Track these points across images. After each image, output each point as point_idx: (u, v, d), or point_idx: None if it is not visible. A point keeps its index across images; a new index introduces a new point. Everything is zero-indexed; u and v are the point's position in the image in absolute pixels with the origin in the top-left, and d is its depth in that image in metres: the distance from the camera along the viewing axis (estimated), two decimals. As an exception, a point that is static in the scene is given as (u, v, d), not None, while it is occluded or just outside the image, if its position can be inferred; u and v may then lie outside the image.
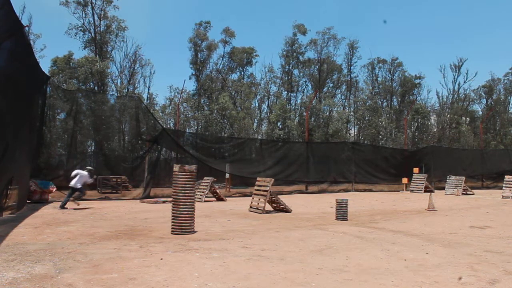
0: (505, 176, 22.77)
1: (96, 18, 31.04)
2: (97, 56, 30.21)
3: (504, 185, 21.92)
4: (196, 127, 34.51)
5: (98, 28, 31.28)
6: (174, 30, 65.90)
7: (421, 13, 74.73)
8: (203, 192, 17.42)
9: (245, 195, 20.10)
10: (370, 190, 26.14)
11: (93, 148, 23.18)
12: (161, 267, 5.82)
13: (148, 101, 33.62)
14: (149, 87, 35.20)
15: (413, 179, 26.46)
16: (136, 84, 34.31)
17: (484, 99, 43.51)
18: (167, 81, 75.74)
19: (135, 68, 34.16)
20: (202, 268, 5.80)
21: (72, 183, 14.50)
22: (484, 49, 68.61)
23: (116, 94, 30.28)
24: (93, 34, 31.09)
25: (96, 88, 29.98)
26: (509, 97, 43.11)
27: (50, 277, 5.22)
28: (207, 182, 17.69)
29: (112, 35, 32.24)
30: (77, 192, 14.63)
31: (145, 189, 19.03)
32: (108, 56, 31.91)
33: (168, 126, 31.77)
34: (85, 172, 14.90)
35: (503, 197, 20.92)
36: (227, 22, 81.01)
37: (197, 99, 35.20)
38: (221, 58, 37.84)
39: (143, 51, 34.40)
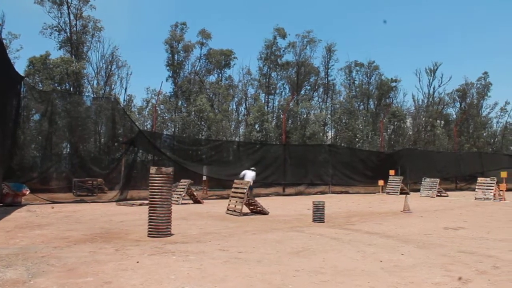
0: (478, 178, 23.25)
1: (72, 17, 30.55)
2: (73, 57, 29.75)
3: (476, 187, 22.36)
4: (173, 129, 34.27)
5: (74, 28, 30.77)
6: (151, 31, 65.51)
7: (398, 18, 75.80)
8: (180, 194, 17.31)
9: (222, 197, 20.03)
10: (347, 192, 26.34)
11: (68, 150, 22.82)
12: (137, 270, 5.77)
13: (125, 103, 33.26)
14: (126, 88, 34.63)
15: (389, 181, 26.75)
16: (113, 86, 33.87)
17: (458, 103, 44.29)
18: (144, 82, 75.28)
19: (112, 69, 33.75)
20: (179, 271, 5.76)
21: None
22: (458, 54, 69.95)
23: (92, 95, 29.87)
24: (68, 34, 30.58)
25: (72, 89, 29.51)
26: (481, 101, 43.96)
27: (22, 282, 5.11)
28: (184, 185, 17.58)
29: (88, 35, 31.74)
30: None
31: (121, 191, 18.81)
32: (84, 56, 31.43)
33: (145, 128, 31.49)
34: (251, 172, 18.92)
35: (475, 198, 21.31)
36: (205, 24, 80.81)
37: (174, 101, 34.96)
38: (198, 60, 37.70)
39: (120, 52, 33.85)
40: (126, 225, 10.41)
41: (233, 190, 14.17)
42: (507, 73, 68.78)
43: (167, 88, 50.92)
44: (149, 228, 8.66)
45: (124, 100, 33.76)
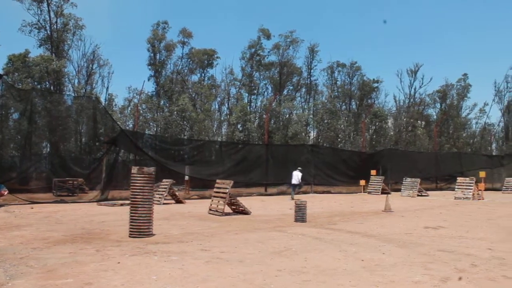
0: (457, 178, 23.57)
1: (52, 15, 30.12)
2: (53, 55, 29.35)
3: (456, 187, 22.66)
4: (155, 129, 34.06)
5: (55, 26, 30.35)
6: (133, 30, 65.00)
7: (380, 19, 76.44)
8: (161, 194, 17.20)
9: (204, 197, 19.96)
10: (329, 192, 26.47)
11: (48, 150, 22.53)
12: (118, 271, 5.72)
13: (107, 102, 32.95)
14: (107, 87, 34.36)
15: (370, 181, 26.96)
16: (94, 85, 33.55)
17: (439, 104, 44.82)
18: (126, 82, 74.74)
19: (93, 68, 33.41)
20: (160, 272, 5.73)
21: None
22: (439, 56, 70.85)
23: (73, 94, 29.51)
24: (49, 32, 30.14)
25: (52, 88, 29.11)
26: (461, 102, 44.54)
27: (0, 285, 5.03)
28: (166, 185, 17.49)
29: (69, 33, 31.35)
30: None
31: (102, 191, 18.63)
32: (65, 55, 31.04)
33: (127, 127, 31.25)
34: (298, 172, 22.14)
35: (455, 198, 21.59)
36: (188, 23, 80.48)
37: (156, 100, 34.75)
38: (180, 59, 37.54)
39: (101, 51, 33.52)
40: (107, 226, 10.32)
41: (215, 190, 14.13)
42: (486, 75, 69.97)
43: (149, 87, 50.69)
44: (130, 228, 8.60)
45: (105, 99, 33.48)
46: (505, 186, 29.09)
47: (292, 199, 19.98)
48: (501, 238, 9.19)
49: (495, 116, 62.73)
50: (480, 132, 45.18)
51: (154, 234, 8.79)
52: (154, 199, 11.10)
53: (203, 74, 38.77)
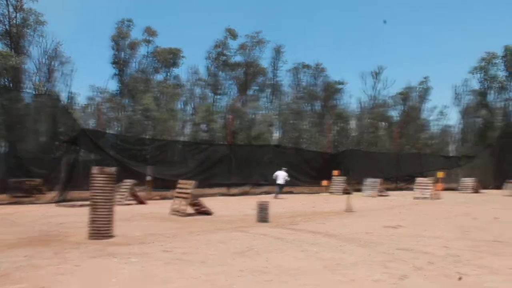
0: (416, 178, 24.14)
1: (11, 9, 29.18)
2: (12, 51, 28.45)
3: (415, 187, 23.20)
4: (118, 128, 33.54)
5: (14, 21, 29.42)
6: (97, 28, 63.70)
7: (345, 21, 77.47)
8: (123, 195, 16.96)
9: (166, 198, 19.74)
10: (291, 192, 26.60)
11: (4, 149, 21.84)
12: (76, 274, 5.60)
13: (68, 101, 32.18)
14: (69, 85, 33.48)
15: (332, 181, 27.28)
16: (55, 83, 32.66)
17: (400, 106, 45.71)
18: (88, 80, 73.04)
19: (55, 65, 32.52)
20: (120, 274, 5.64)
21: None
22: (401, 58, 72.44)
23: (32, 92, 28.71)
24: (7, 27, 29.18)
25: (10, 85, 28.22)
26: (422, 104, 45.56)
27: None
28: (127, 185, 17.25)
29: (29, 29, 30.43)
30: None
31: (61, 192, 18.19)
32: (24, 51, 30.13)
33: (89, 126, 30.65)
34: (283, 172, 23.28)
35: (414, 198, 22.08)
36: (152, 21, 79.44)
37: (119, 99, 34.22)
38: (144, 58, 37.07)
39: (63, 48, 32.65)
40: (66, 227, 10.09)
41: (177, 190, 14.02)
42: (446, 78, 71.90)
43: (113, 86, 49.63)
44: (90, 230, 8.43)
45: (67, 97, 32.68)
46: (461, 186, 29.97)
47: (276, 197, 21.64)
48: (457, 236, 9.46)
49: (453, 118, 64.56)
50: (439, 133, 46.33)
51: (114, 236, 8.64)
52: (115, 199, 10.93)
53: (167, 73, 38.43)
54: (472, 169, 34.53)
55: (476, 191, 28.90)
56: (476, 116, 42.82)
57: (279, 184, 23.23)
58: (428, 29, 77.40)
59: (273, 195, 22.71)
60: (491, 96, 42.14)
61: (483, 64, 41.56)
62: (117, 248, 7.43)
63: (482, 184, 31.22)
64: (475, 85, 43.11)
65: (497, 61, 41.15)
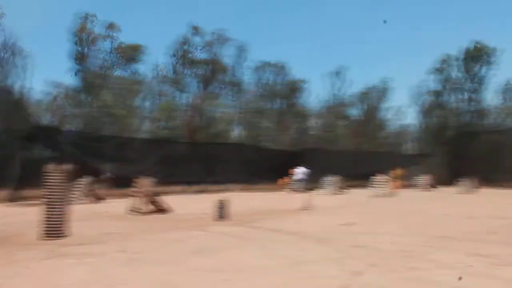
0: (374, 176, 24.58)
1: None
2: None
3: (372, 185, 23.63)
4: (76, 125, 32.81)
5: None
6: (57, 21, 61.92)
7: (308, 19, 78.12)
8: (80, 193, 16.63)
9: (125, 196, 19.44)
10: (251, 190, 26.64)
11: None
12: (27, 277, 5.44)
13: (25, 95, 31.17)
14: (26, 80, 32.41)
15: (292, 179, 27.45)
16: (12, 76, 31.56)
17: (360, 105, 46.48)
18: (47, 74, 70.98)
19: (12, 59, 31.37)
20: (74, 275, 5.52)
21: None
22: (361, 58, 73.65)
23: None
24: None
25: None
26: (381, 104, 46.44)
27: None
28: (84, 183, 16.93)
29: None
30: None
31: (14, 190, 17.67)
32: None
33: (46, 122, 29.87)
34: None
35: (371, 195, 22.48)
36: (115, 17, 77.97)
37: (78, 95, 33.45)
38: (106, 54, 36.30)
39: (22, 41, 31.56)
40: (17, 227, 9.80)
41: (136, 188, 13.85)
42: (404, 79, 73.86)
43: (72, 81, 48.38)
44: (42, 230, 8.21)
45: (24, 92, 31.65)
46: (417, 184, 30.70)
47: (295, 191, 24.20)
48: (410, 232, 9.69)
49: (410, 117, 66.35)
50: (397, 132, 47.38)
51: (69, 236, 8.45)
52: (71, 198, 10.72)
53: (129, 70, 37.80)
54: (428, 167, 35.41)
55: (431, 188, 29.67)
56: (432, 116, 44.03)
57: (298, 180, 26.00)
58: (388, 29, 78.95)
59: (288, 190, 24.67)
60: (446, 97, 43.32)
61: (439, 65, 42.70)
62: (71, 249, 7.27)
63: (437, 182, 32.10)
64: (432, 85, 44.29)
65: (452, 63, 42.33)
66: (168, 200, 15.67)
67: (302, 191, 24.13)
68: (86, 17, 34.60)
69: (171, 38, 49.59)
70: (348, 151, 37.81)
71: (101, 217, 12.35)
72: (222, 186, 25.88)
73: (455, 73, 42.46)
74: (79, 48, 34.28)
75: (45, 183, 8.32)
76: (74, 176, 8.93)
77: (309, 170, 26.31)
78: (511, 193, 27.46)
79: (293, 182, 25.78)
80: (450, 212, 14.28)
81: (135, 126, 34.68)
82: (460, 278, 5.45)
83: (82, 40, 34.13)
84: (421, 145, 44.44)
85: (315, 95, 51.08)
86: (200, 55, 39.50)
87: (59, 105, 30.55)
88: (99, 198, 17.34)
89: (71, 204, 9.01)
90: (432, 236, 9.11)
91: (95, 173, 19.95)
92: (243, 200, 19.62)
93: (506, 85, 41.56)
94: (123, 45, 36.22)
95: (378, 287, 5.15)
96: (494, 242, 8.37)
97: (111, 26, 35.75)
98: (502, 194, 25.95)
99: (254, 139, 38.13)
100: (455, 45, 63.18)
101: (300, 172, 26.52)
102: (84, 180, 17.06)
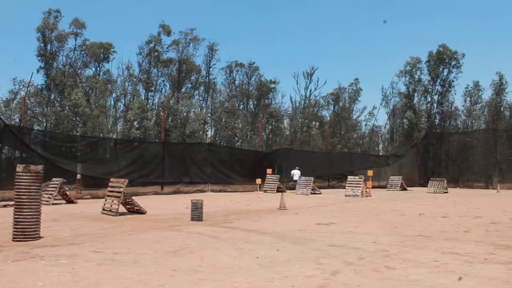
0: (348, 177, 24.83)
1: None
2: None
3: (347, 185, 23.82)
4: (45, 124, 32.17)
5: None
6: (21, 17, 60.64)
7: (278, 20, 78.44)
8: (51, 194, 16.29)
9: (97, 197, 19.16)
10: (225, 191, 26.57)
11: None
12: (-1, 278, 5.30)
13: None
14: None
15: (266, 179, 27.47)
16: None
17: (332, 106, 46.91)
18: (11, 73, 69.40)
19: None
20: (47, 277, 5.39)
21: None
22: (333, 60, 74.34)
23: None
24: None
25: None
26: (353, 105, 46.99)
27: None
28: (55, 184, 16.59)
29: None
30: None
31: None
32: None
33: (12, 122, 29.18)
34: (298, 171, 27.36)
35: (346, 195, 22.67)
36: (81, 13, 76.75)
37: (46, 94, 32.78)
38: (73, 52, 35.66)
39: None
40: (-13, 228, 9.54)
41: (109, 189, 13.66)
42: (375, 80, 74.85)
43: (39, 80, 47.34)
44: (14, 231, 8.01)
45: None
46: (389, 184, 31.14)
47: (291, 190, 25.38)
48: (385, 232, 9.83)
49: (382, 119, 67.26)
50: (369, 133, 48.00)
51: (41, 237, 8.27)
52: (43, 199, 10.49)
53: (98, 68, 37.22)
54: (399, 168, 36.02)
55: (403, 188, 30.13)
56: (402, 117, 44.78)
57: (296, 180, 26.75)
58: (359, 31, 79.95)
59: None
60: (416, 99, 44.17)
61: (408, 68, 43.47)
62: (44, 250, 7.11)
63: (409, 182, 32.65)
64: (402, 87, 45.04)
65: (421, 66, 43.22)
66: (142, 200, 15.53)
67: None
68: (49, 13, 33.86)
69: (141, 37, 49.14)
70: (321, 152, 38.10)
71: (75, 218, 12.12)
72: (196, 187, 25.77)
73: (424, 76, 43.36)
74: (43, 45, 33.53)
75: (16, 185, 8.11)
76: (45, 177, 8.70)
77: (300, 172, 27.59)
78: (480, 193, 28.22)
79: (292, 183, 26.59)
80: (424, 212, 14.51)
81: (107, 126, 34.19)
82: (460, 278, 5.50)
83: (46, 36, 33.40)
84: (392, 146, 45.11)
85: (287, 96, 51.28)
86: (170, 54, 39.26)
87: (27, 104, 29.85)
88: (71, 199, 17.01)
89: (43, 205, 8.80)
90: (407, 235, 9.26)
91: (66, 174, 19.59)
92: (218, 200, 19.57)
93: (472, 87, 42.57)
94: (88, 43, 35.56)
95: (356, 286, 5.18)
96: (468, 241, 8.55)
97: (76, 22, 35.06)
98: (471, 194, 26.60)
99: (227, 139, 38.07)
100: (426, 47, 64.43)
101: (297, 173, 27.49)
102: (55, 181, 16.72)
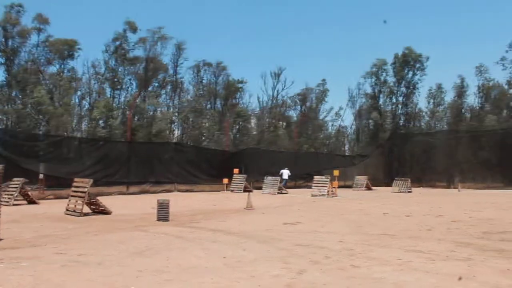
0: (314, 176, 25.05)
1: None
2: None
3: (313, 185, 24.03)
4: (5, 123, 31.29)
5: None
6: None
7: (246, 19, 78.44)
8: (11, 195, 15.84)
9: (61, 197, 18.71)
10: (192, 191, 26.40)
11: None
12: (-44, 281, 5.13)
13: None
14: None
15: (233, 179, 27.43)
16: None
17: (299, 106, 47.22)
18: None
19: None
20: (7, 280, 5.23)
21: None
22: (301, 60, 74.75)
23: None
24: None
25: None
26: (320, 105, 47.37)
27: None
28: (16, 184, 16.15)
29: None
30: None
31: None
32: None
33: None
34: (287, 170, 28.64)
35: (312, 195, 22.84)
36: (45, 8, 74.97)
37: (7, 91, 31.87)
38: (36, 48, 34.72)
39: None
40: None
41: (73, 189, 13.42)
42: (341, 81, 75.85)
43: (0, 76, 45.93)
44: (-27, 232, 7.78)
45: None
46: (355, 184, 31.57)
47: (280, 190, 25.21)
48: (351, 231, 9.97)
49: (348, 119, 68.12)
50: (335, 133, 48.51)
51: (1, 239, 8.04)
52: (2, 199, 10.21)
53: (62, 66, 36.35)
54: (365, 168, 36.50)
55: (368, 188, 30.58)
56: (368, 118, 45.49)
57: (284, 179, 27.92)
58: (326, 32, 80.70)
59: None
60: (381, 100, 44.94)
61: (374, 69, 44.23)
62: (4, 252, 6.91)
63: (374, 182, 33.17)
64: (368, 89, 45.73)
65: (387, 68, 44.04)
66: (108, 201, 15.30)
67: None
68: (11, 7, 32.85)
69: (106, 35, 48.27)
70: (288, 152, 38.29)
71: (38, 219, 11.84)
72: (163, 187, 25.52)
73: (390, 77, 44.20)
74: (4, 40, 32.55)
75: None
76: (5, 176, 8.47)
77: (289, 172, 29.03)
78: (443, 192, 28.92)
79: (280, 182, 26.33)
80: (388, 211, 14.78)
81: (71, 124, 33.50)
82: (460, 278, 5.57)
83: (7, 31, 32.46)
84: (358, 146, 45.75)
85: (255, 96, 51.34)
86: (137, 52, 38.71)
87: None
88: (33, 200, 16.60)
89: (2, 206, 8.56)
90: (372, 234, 9.41)
91: (28, 174, 19.10)
92: (185, 200, 19.45)
93: (435, 90, 43.64)
94: (52, 39, 34.68)
95: (322, 284, 5.23)
96: (431, 239, 8.75)
97: (39, 17, 34.14)
98: (434, 193, 27.24)
99: (194, 139, 37.85)
100: (392, 50, 65.59)
101: (286, 173, 28.42)
102: (16, 181, 16.28)
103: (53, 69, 35.75)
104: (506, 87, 41.04)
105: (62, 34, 47.48)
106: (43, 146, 22.94)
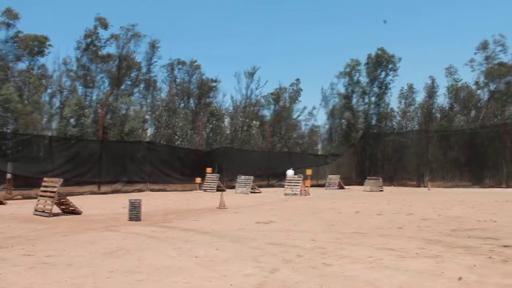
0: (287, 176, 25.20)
1: None
2: None
3: (286, 184, 24.16)
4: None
5: None
6: None
7: (222, 19, 78.32)
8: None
9: (30, 197, 18.36)
10: (164, 190, 26.25)
11: None
12: None
13: None
14: None
15: (206, 178, 27.38)
16: None
17: (273, 105, 47.32)
18: None
19: None
20: (-28, 282, 5.12)
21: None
22: (274, 60, 75.09)
23: None
24: None
25: None
26: (293, 105, 47.56)
27: None
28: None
29: None
30: None
31: None
32: None
33: None
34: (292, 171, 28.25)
35: (285, 194, 22.97)
36: (14, 3, 73.27)
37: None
38: (4, 43, 33.86)
39: None
40: None
41: (42, 189, 13.14)
42: (315, 81, 76.31)
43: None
44: None
45: None
46: (328, 183, 31.83)
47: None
48: (323, 229, 10.04)
49: (321, 119, 68.70)
50: (308, 133, 48.81)
51: (-33, 240, 7.84)
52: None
53: (32, 62, 35.57)
54: (337, 167, 36.91)
55: (341, 187, 30.87)
56: (341, 118, 45.92)
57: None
58: (300, 32, 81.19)
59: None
60: (354, 100, 45.42)
61: (348, 70, 44.69)
62: (-31, 254, 6.74)
63: (346, 181, 33.51)
64: (341, 89, 46.14)
65: (360, 68, 44.58)
66: (78, 200, 15.07)
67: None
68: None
69: (78, 31, 47.49)
70: (261, 151, 38.38)
71: (4, 219, 11.57)
72: (135, 186, 25.27)
73: (363, 77, 44.73)
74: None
75: None
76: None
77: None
78: (413, 191, 29.43)
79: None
80: (360, 209, 14.95)
81: (41, 123, 32.84)
82: (460, 278, 5.60)
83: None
84: (331, 146, 46.14)
85: (228, 95, 51.17)
86: (110, 50, 38.16)
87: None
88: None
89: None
90: (344, 232, 9.50)
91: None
92: (157, 199, 19.31)
93: (407, 90, 44.38)
94: (21, 35, 33.90)
95: (294, 283, 5.26)
96: (401, 237, 8.89)
97: (8, 12, 33.32)
98: (405, 192, 27.69)
99: (167, 138, 37.57)
100: (365, 50, 66.37)
101: (291, 173, 27.82)
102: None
103: (22, 65, 34.98)
104: (474, 88, 41.97)
105: (32, 29, 46.53)
106: (11, 145, 22.45)
